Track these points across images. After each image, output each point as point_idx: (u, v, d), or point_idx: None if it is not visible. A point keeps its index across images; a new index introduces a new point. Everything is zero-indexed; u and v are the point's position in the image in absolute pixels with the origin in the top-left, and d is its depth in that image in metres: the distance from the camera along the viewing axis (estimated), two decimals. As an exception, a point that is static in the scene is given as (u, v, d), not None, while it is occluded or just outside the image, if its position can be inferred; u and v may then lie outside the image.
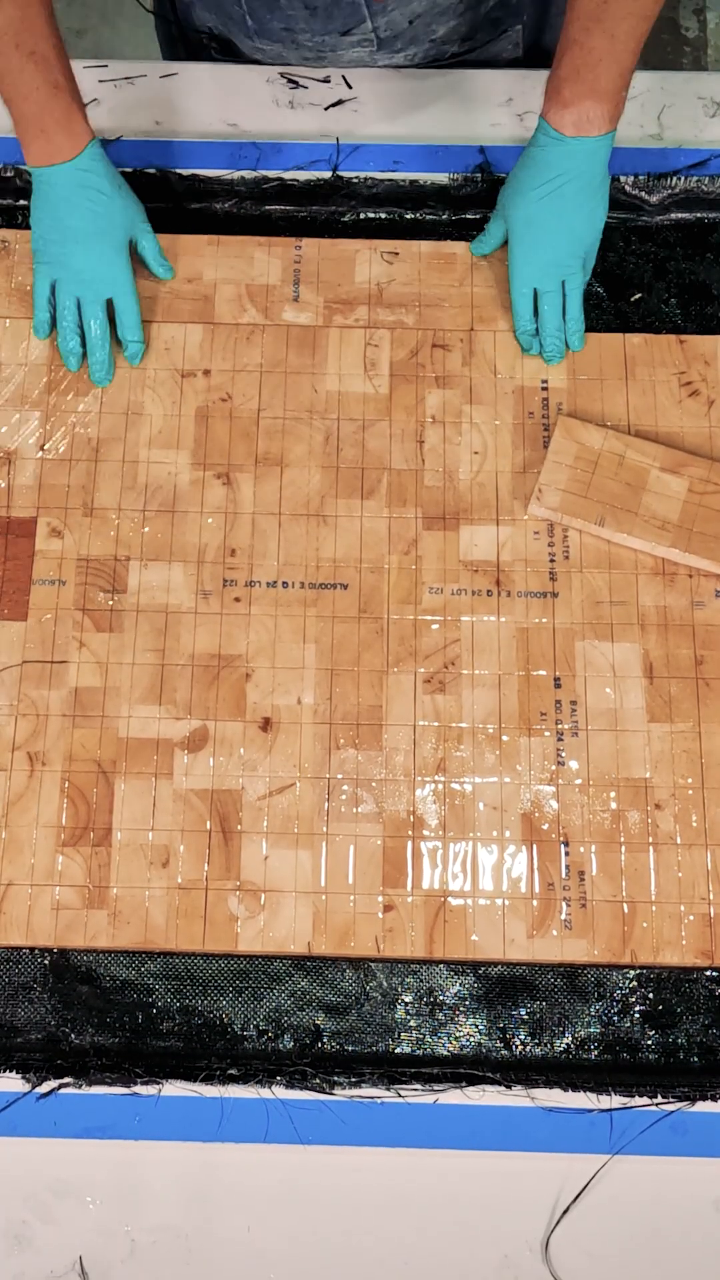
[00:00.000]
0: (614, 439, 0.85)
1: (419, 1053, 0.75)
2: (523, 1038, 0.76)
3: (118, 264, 0.86)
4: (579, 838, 0.78)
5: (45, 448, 0.86)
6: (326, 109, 0.98)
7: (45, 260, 0.86)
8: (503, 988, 0.77)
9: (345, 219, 0.93)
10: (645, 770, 0.79)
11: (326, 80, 0.98)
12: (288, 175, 0.94)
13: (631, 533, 0.82)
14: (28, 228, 0.92)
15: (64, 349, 0.87)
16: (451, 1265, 0.72)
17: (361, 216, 0.93)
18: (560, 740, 0.80)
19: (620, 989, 0.76)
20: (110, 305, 0.87)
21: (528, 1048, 0.76)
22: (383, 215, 0.93)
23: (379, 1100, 0.74)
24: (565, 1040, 0.76)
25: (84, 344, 0.87)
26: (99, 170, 0.84)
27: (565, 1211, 0.73)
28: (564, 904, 0.77)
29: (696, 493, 0.83)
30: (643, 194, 0.93)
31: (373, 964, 0.77)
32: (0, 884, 0.77)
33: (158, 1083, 0.74)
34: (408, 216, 0.93)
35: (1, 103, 0.83)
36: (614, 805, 0.78)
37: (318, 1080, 0.74)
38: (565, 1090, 0.74)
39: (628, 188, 0.93)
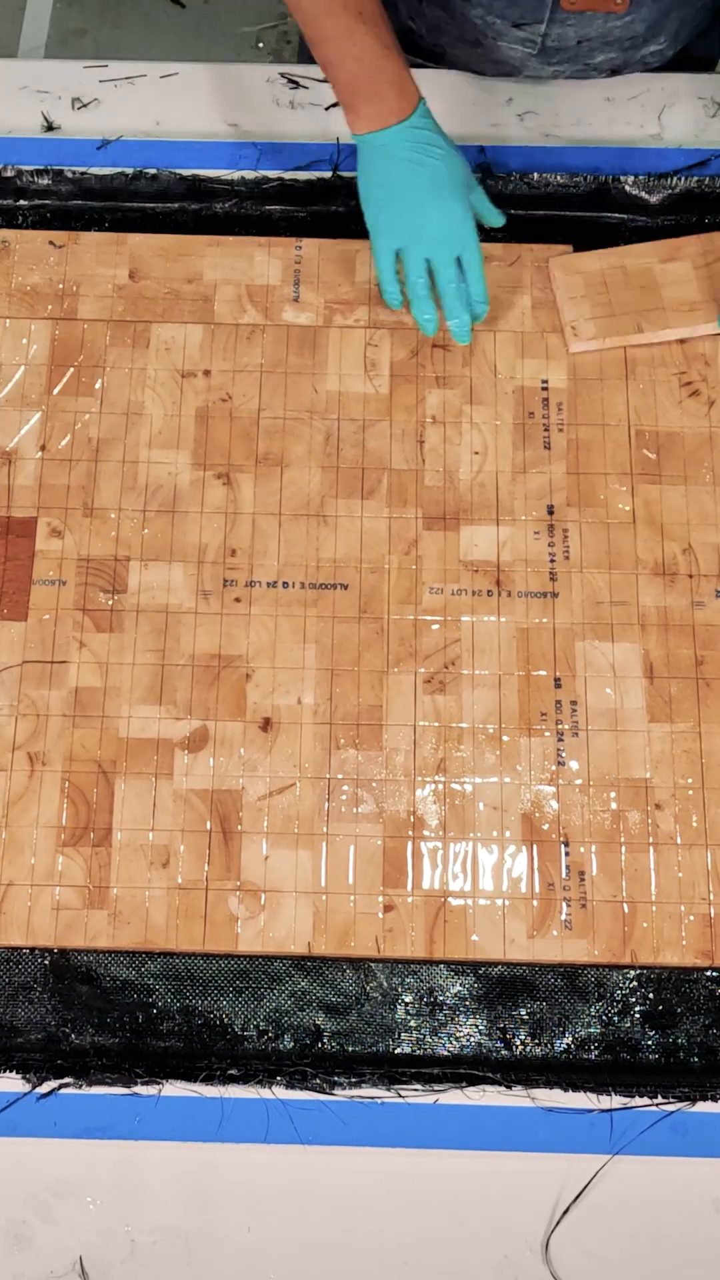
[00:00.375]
0: (608, 256, 0.89)
1: (419, 1053, 0.75)
2: (523, 1038, 0.76)
3: (466, 220, 0.82)
4: (579, 838, 0.78)
5: (45, 448, 0.86)
6: (326, 109, 0.98)
7: (387, 230, 0.83)
8: (503, 988, 0.76)
9: (345, 219, 0.93)
10: (645, 770, 0.79)
11: (326, 80, 0.98)
12: (288, 175, 0.94)
13: (670, 326, 0.87)
14: (28, 227, 0.92)
15: (420, 318, 0.85)
16: (451, 1265, 0.72)
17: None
18: (560, 740, 0.80)
19: (620, 989, 0.76)
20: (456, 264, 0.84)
21: (528, 1048, 0.76)
22: (383, 215, 0.93)
23: (379, 1100, 0.74)
24: (565, 1040, 0.76)
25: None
26: (432, 126, 0.82)
27: (565, 1211, 0.73)
28: (564, 904, 0.77)
29: (701, 266, 0.88)
30: (643, 194, 0.93)
31: (373, 964, 0.77)
32: (0, 884, 0.77)
33: (158, 1083, 0.74)
34: (408, 216, 0.93)
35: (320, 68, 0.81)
36: (614, 805, 0.78)
37: (318, 1080, 0.74)
38: (565, 1090, 0.74)
39: (628, 187, 0.93)
